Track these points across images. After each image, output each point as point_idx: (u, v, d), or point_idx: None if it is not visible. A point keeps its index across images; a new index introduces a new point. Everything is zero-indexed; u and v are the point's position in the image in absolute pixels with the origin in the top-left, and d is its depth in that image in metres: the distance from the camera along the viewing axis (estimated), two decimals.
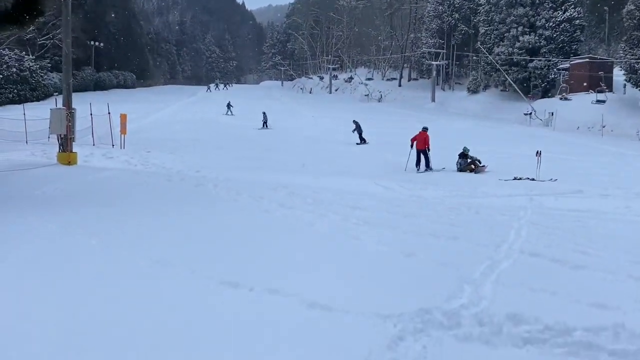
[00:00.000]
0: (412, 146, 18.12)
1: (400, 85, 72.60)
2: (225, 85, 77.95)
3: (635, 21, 42.20)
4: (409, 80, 73.93)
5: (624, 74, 43.86)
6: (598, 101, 40.51)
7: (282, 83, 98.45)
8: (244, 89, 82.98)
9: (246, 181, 13.43)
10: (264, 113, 32.46)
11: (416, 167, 17.88)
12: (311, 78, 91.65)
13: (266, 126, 32.01)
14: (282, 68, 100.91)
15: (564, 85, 45.04)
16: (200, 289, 5.48)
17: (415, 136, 18.17)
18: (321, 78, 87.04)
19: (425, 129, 18.61)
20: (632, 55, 41.15)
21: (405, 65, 75.98)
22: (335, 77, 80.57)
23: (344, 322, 4.67)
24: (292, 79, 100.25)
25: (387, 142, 25.27)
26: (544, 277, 6.22)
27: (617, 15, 53.58)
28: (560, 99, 43.02)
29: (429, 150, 18.03)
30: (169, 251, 6.84)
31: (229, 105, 40.18)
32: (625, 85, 44.32)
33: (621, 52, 44.28)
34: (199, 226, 8.53)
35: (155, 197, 11.27)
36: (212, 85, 72.73)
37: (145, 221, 8.66)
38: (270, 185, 12.57)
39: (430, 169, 17.84)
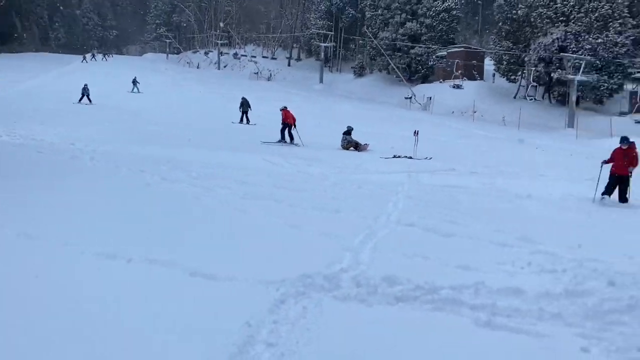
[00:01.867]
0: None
1: (289, 65, 72.84)
2: (104, 56, 72.67)
3: (503, 15, 45.95)
4: (298, 60, 74.40)
5: (493, 64, 47.75)
6: (455, 86, 43.79)
7: (168, 56, 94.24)
8: (126, 60, 78.23)
9: (126, 154, 12.77)
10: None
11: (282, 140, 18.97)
12: (198, 52, 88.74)
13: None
14: (168, 41, 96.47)
15: (458, 72, 47.46)
16: (71, 260, 5.16)
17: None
18: (207, 53, 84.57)
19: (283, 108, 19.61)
20: (500, 46, 44.86)
21: (294, 45, 76.28)
22: (222, 53, 78.68)
23: (228, 290, 4.67)
24: (178, 53, 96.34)
25: (276, 119, 25.32)
26: (417, 244, 6.67)
27: (489, 8, 57.87)
28: (453, 87, 45.34)
29: (292, 127, 18.96)
30: (38, 225, 6.34)
31: (134, 82, 35.82)
32: (494, 74, 48.31)
33: (491, 43, 48.08)
34: (73, 199, 7.98)
35: (24, 170, 10.34)
36: (88, 56, 67.28)
37: (10, 195, 7.92)
38: (152, 159, 12.08)
39: (285, 142, 18.80)
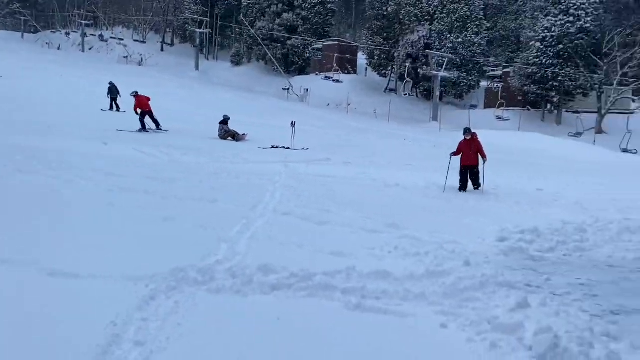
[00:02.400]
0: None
1: (162, 50, 69.66)
2: None
3: (375, 11, 47.98)
4: (171, 46, 71.46)
5: (366, 59, 49.77)
6: (335, 80, 44.97)
7: (23, 36, 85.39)
8: None
9: None
10: None
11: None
12: (59, 33, 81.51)
13: None
14: (23, 18, 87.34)
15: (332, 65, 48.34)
16: None
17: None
18: (68, 34, 77.98)
19: (135, 93, 18.80)
20: (372, 42, 46.86)
21: (167, 29, 73.08)
22: (86, 34, 73.01)
23: (92, 289, 4.38)
24: (35, 32, 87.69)
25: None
26: (293, 232, 6.77)
27: (362, 4, 59.97)
28: (333, 81, 45.88)
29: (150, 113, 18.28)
30: None
31: None
32: (366, 68, 50.38)
33: (364, 38, 50.02)
34: None
35: None
36: None
37: None
38: (4, 148, 10.91)
39: (147, 131, 18.05)
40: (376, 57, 46.93)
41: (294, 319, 4.18)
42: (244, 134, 18.40)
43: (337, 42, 51.04)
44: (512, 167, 17.75)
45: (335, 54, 47.73)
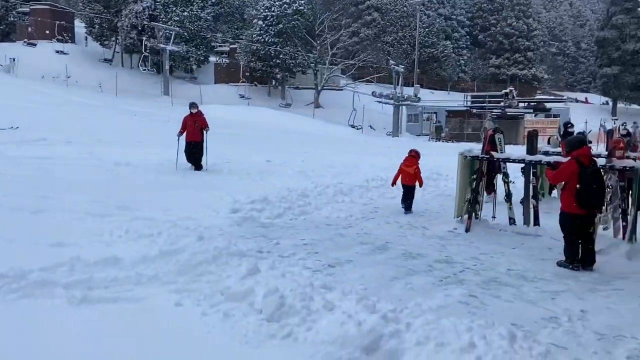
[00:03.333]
0: None
1: None
2: None
3: None
4: None
5: (85, 27, 45.32)
6: (59, 52, 40.61)
7: None
8: None
9: None
10: None
11: None
12: None
13: None
14: None
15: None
16: None
17: None
18: None
19: None
20: (91, 9, 42.87)
21: None
22: None
23: None
24: None
25: None
26: (1, 227, 5.81)
27: None
28: (57, 52, 40.39)
29: None
30: None
31: None
32: (87, 37, 45.95)
33: (81, 4, 45.36)
34: None
35: None
36: None
37: None
38: None
39: None
40: (97, 26, 43.15)
41: (3, 327, 3.60)
42: None
43: (48, 7, 45.16)
44: (243, 141, 18.57)
45: (48, 20, 42.25)
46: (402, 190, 9.26)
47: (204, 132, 11.75)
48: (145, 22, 39.97)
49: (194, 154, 11.63)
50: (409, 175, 9.24)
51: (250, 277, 4.61)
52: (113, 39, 43.86)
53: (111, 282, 4.44)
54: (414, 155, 9.47)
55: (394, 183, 9.55)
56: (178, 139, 11.66)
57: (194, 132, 11.64)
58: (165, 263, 4.92)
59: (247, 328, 3.78)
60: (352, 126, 35.43)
